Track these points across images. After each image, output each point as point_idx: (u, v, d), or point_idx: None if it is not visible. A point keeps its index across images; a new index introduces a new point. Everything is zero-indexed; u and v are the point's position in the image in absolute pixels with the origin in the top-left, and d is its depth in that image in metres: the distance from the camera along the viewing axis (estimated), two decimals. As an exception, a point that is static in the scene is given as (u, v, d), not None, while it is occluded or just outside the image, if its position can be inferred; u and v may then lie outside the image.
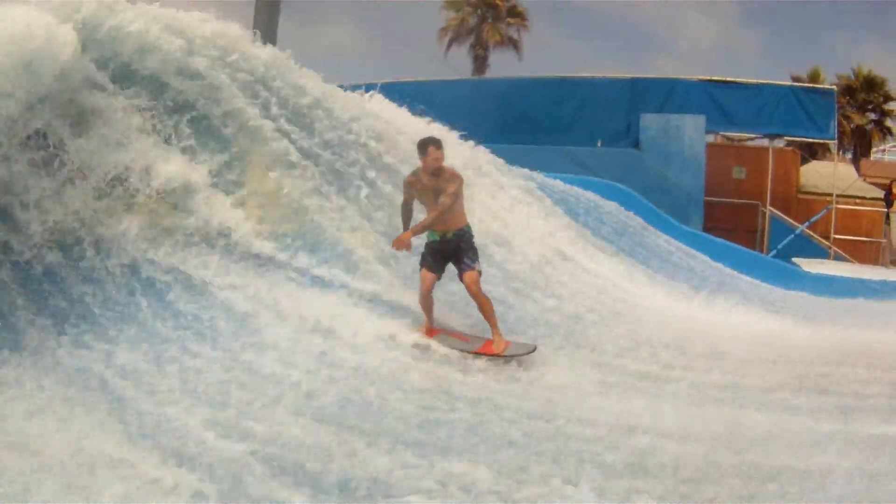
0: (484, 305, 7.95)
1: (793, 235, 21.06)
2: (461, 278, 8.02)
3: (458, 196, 7.90)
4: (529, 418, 6.11)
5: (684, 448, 5.54)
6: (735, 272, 15.40)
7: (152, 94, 8.15)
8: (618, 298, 11.15)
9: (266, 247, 8.16)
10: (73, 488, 4.33)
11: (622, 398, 6.87)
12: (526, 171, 14.85)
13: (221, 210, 8.13)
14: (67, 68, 7.10)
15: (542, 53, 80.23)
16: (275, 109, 9.16)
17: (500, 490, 4.72)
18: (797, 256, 19.44)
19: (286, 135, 9.09)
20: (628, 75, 23.28)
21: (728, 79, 22.71)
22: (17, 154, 6.68)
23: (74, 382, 5.67)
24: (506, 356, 7.71)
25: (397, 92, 13.33)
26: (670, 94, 22.41)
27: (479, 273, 7.99)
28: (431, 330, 8.14)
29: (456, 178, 7.92)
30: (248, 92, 9.00)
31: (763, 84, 22.81)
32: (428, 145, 7.86)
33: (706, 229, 19.31)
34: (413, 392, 6.54)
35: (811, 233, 21.43)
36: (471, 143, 13.81)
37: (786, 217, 21.54)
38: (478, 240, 10.82)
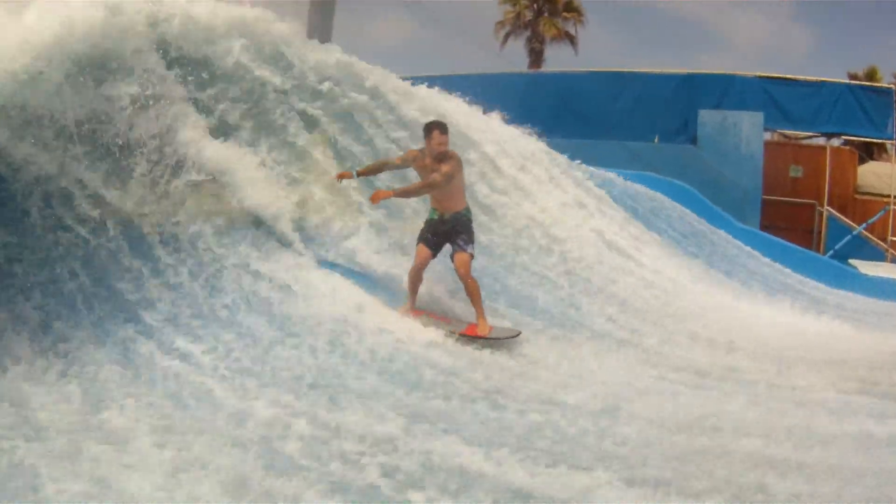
0: (472, 289, 7.89)
1: (850, 237, 20.85)
2: (452, 259, 7.99)
3: (450, 177, 7.79)
4: (584, 412, 6.13)
5: (739, 444, 5.56)
6: (791, 272, 15.37)
7: (210, 85, 8.32)
8: (674, 295, 11.21)
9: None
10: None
11: (678, 395, 6.89)
12: (583, 165, 14.92)
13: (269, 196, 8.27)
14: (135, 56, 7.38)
15: (597, 48, 79.69)
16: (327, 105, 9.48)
17: (555, 487, 4.70)
18: (854, 258, 19.27)
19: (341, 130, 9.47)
20: (684, 70, 23.15)
21: (786, 76, 22.54)
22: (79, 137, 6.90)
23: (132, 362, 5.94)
24: (490, 338, 7.69)
25: (453, 85, 13.42)
26: (727, 90, 22.27)
27: (472, 256, 7.93)
28: (414, 311, 8.06)
29: (452, 158, 7.85)
30: (303, 89, 9.32)
31: (821, 82, 22.56)
32: (433, 129, 7.82)
33: (763, 228, 19.20)
34: (477, 388, 6.59)
35: (868, 234, 21.19)
36: (530, 135, 13.96)
37: (843, 217, 21.33)
38: (536, 233, 11.15)
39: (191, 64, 8.17)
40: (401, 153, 8.88)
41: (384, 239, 9.07)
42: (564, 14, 38.29)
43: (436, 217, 8.09)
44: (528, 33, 38.51)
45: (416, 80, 11.92)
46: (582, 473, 4.86)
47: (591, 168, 15.13)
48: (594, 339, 8.61)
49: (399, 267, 8.50)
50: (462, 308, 8.36)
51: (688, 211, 16.43)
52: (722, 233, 16.35)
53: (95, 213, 6.77)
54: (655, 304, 10.54)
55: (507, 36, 38.82)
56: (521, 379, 6.94)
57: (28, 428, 4.76)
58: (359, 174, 8.19)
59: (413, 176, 8.56)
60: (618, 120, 21.80)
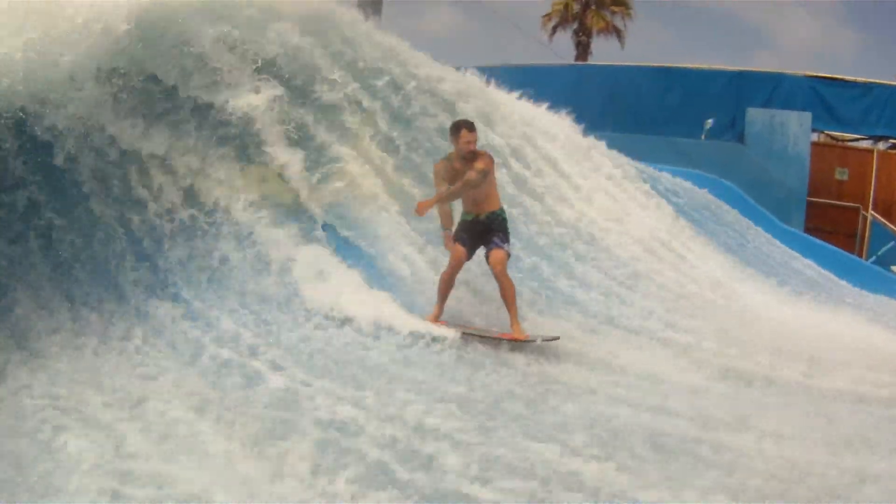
0: (507, 288, 7.63)
1: (893, 243, 20.67)
2: (487, 258, 7.74)
3: (486, 174, 7.60)
4: (625, 408, 6.28)
5: (779, 447, 5.67)
6: (833, 276, 15.37)
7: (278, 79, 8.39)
8: (717, 295, 11.32)
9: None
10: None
11: (716, 395, 7.03)
12: (631, 160, 15.02)
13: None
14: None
15: (644, 43, 79.04)
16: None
17: (590, 481, 4.84)
18: (896, 264, 19.18)
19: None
20: (733, 67, 22.98)
21: (835, 76, 22.32)
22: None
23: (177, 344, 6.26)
24: (530, 342, 7.51)
25: (502, 77, 13.51)
26: (776, 89, 22.04)
27: (508, 255, 7.74)
28: (439, 321, 7.76)
29: (484, 156, 7.69)
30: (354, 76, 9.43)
31: (872, 83, 22.21)
32: (461, 128, 7.63)
33: (806, 230, 19.12)
34: (522, 379, 6.85)
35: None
36: (580, 129, 14.09)
37: (887, 223, 21.15)
38: (581, 226, 11.28)
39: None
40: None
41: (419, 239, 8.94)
42: (612, 7, 38.05)
43: (470, 218, 7.92)
44: (574, 26, 38.36)
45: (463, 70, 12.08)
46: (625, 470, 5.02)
47: (638, 163, 15.23)
48: (633, 334, 8.78)
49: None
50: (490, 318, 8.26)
51: (732, 210, 16.46)
52: (765, 233, 16.37)
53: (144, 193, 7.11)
54: (695, 301, 10.65)
55: (554, 28, 38.68)
56: (566, 374, 7.13)
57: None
58: (436, 202, 7.78)
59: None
60: (666, 115, 21.69)
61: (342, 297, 7.53)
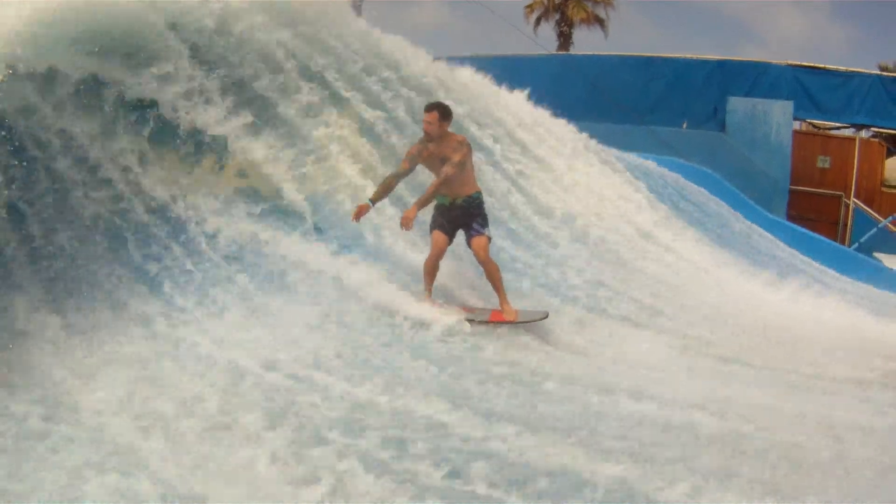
0: (492, 272, 7.72)
1: (875, 229, 20.79)
2: (469, 244, 7.81)
3: (463, 164, 7.63)
4: (610, 393, 6.27)
5: (771, 435, 5.66)
6: (817, 263, 15.42)
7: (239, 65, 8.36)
8: (701, 282, 11.31)
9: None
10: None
11: (704, 381, 7.01)
12: (614, 150, 15.01)
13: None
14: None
15: (627, 33, 79.14)
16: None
17: (586, 471, 4.80)
18: (879, 251, 19.27)
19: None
20: (716, 57, 23.01)
21: (818, 65, 22.41)
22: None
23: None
24: (518, 322, 7.58)
25: (484, 66, 13.46)
26: (759, 78, 22.11)
27: (489, 239, 7.78)
28: (431, 301, 7.79)
29: (462, 145, 7.68)
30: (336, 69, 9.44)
31: (852, 72, 22.38)
32: (425, 110, 7.75)
33: (789, 218, 19.23)
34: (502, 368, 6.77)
35: (894, 227, 21.15)
36: (561, 120, 14.06)
37: (869, 210, 21.28)
38: (566, 217, 11.26)
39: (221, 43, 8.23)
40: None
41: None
42: (594, -2, 38.16)
43: (447, 202, 7.85)
44: (557, 16, 38.38)
45: (450, 61, 12.04)
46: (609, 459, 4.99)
47: (621, 152, 15.22)
48: (620, 322, 8.76)
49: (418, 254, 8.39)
50: (480, 296, 8.30)
51: (714, 198, 16.50)
52: (748, 222, 16.41)
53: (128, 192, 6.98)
54: (679, 288, 10.65)
55: (538, 19, 38.71)
56: (552, 362, 7.09)
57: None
58: (374, 201, 7.64)
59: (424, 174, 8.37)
60: (648, 105, 21.75)
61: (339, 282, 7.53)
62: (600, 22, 38.13)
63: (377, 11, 10.27)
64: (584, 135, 14.29)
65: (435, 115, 7.61)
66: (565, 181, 12.22)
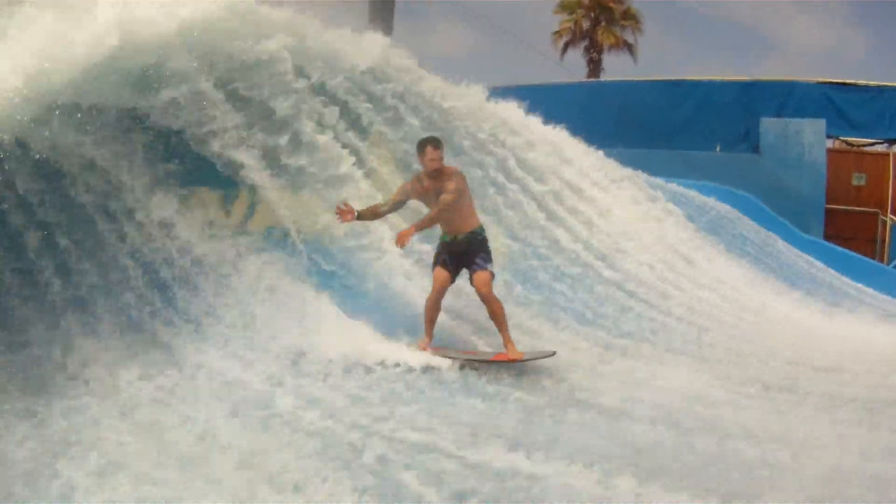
0: (495, 310, 7.47)
1: (913, 246, 20.54)
2: (472, 281, 7.58)
3: (461, 192, 7.44)
4: (653, 424, 6.27)
5: (813, 458, 5.64)
6: (855, 283, 15.28)
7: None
8: (740, 305, 11.29)
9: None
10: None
11: (742, 407, 6.98)
12: (646, 175, 15.04)
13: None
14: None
15: (655, 55, 79.21)
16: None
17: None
18: (918, 268, 19.03)
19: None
20: (744, 78, 22.93)
21: (847, 81, 22.24)
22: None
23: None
24: (525, 360, 7.41)
25: (512, 95, 13.54)
26: (788, 97, 21.93)
27: (492, 275, 7.55)
28: (433, 347, 7.62)
29: (456, 174, 7.52)
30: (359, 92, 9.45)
31: (884, 86, 22.10)
32: (426, 145, 7.48)
33: (826, 237, 19.02)
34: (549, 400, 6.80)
35: (933, 244, 20.86)
36: (590, 148, 14.12)
37: (906, 226, 21.02)
38: (600, 244, 11.28)
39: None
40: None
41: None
42: (622, 22, 38.00)
43: (448, 240, 7.69)
44: (585, 42, 38.41)
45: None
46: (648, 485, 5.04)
47: (653, 177, 15.24)
48: (660, 350, 8.76)
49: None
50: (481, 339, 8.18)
51: (750, 221, 16.43)
52: (784, 243, 16.32)
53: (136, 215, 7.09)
54: (717, 313, 10.62)
55: (565, 46, 38.71)
56: (588, 392, 7.11)
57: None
58: (360, 216, 7.52)
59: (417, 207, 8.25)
60: (678, 129, 21.65)
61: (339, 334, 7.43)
62: (629, 47, 38.11)
63: (404, 40, 10.26)
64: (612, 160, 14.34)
65: (440, 151, 7.50)
66: (597, 206, 12.25)
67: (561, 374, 7.51)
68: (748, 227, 16.19)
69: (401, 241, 7.29)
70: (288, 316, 7.44)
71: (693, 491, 4.95)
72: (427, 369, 7.16)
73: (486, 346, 8.01)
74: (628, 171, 14.48)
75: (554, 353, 7.51)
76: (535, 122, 13.21)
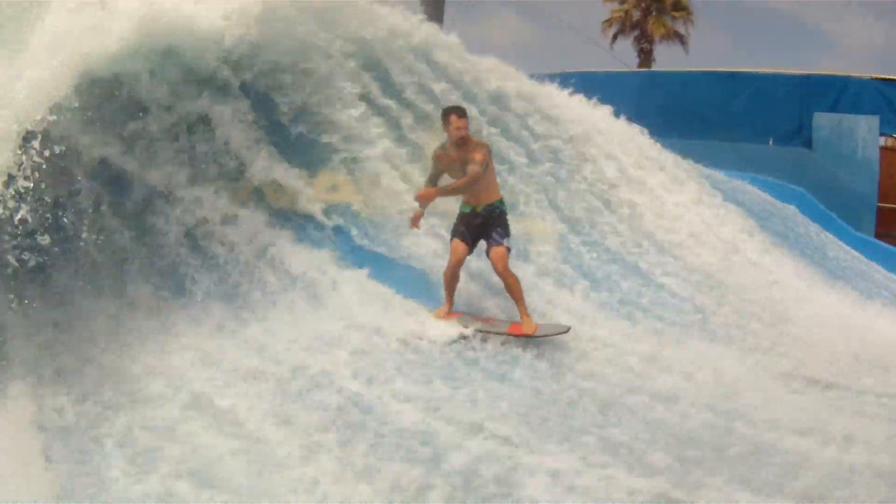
0: (511, 285, 7.57)
1: (968, 246, 20.19)
2: (488, 254, 7.66)
3: (486, 164, 7.48)
4: (700, 412, 6.37)
5: (853, 455, 5.73)
6: (906, 282, 15.11)
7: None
8: (789, 298, 11.22)
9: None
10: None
11: (787, 400, 7.07)
12: (701, 167, 14.98)
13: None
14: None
15: (706, 48, 78.28)
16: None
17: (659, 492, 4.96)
18: (970, 268, 18.74)
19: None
20: (799, 71, 22.68)
21: (901, 77, 21.92)
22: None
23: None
24: (538, 336, 7.48)
25: (566, 82, 13.56)
26: (842, 93, 21.67)
27: (508, 250, 7.61)
28: (450, 313, 7.80)
29: (482, 146, 7.59)
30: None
31: None
32: (450, 114, 7.54)
33: (877, 235, 18.80)
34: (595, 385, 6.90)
35: None
36: (644, 133, 14.09)
37: (958, 227, 20.68)
38: (652, 232, 11.28)
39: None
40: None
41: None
42: (673, 13, 37.81)
43: (468, 210, 7.79)
44: (636, 32, 38.18)
45: (533, 78, 12.19)
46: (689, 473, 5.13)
47: (706, 168, 15.17)
48: (710, 342, 8.76)
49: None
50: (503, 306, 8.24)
51: (802, 215, 16.30)
52: (836, 240, 16.16)
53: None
54: (770, 308, 10.59)
55: (615, 35, 38.59)
56: (639, 379, 7.17)
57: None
58: (439, 195, 7.63)
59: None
60: (731, 121, 21.43)
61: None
62: (680, 38, 37.85)
63: (456, 30, 10.32)
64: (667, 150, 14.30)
65: (465, 120, 7.54)
66: (652, 195, 12.24)
67: (613, 359, 7.60)
68: (800, 221, 16.04)
69: (423, 198, 7.52)
70: (323, 294, 7.61)
71: (729, 481, 5.06)
72: (471, 346, 7.33)
73: (504, 314, 8.12)
74: (683, 161, 14.39)
75: (569, 329, 7.61)
76: (587, 106, 13.15)
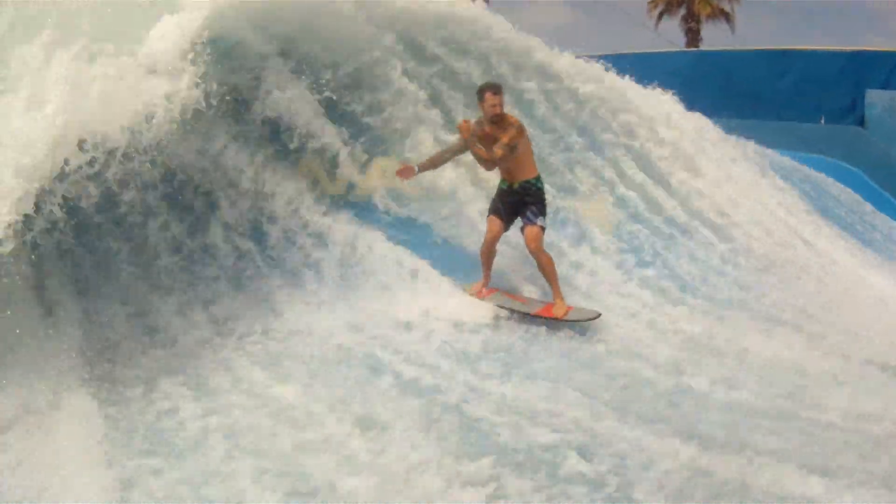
0: (545, 264, 7.51)
1: None
2: (522, 232, 7.61)
3: (512, 147, 7.37)
4: (755, 396, 6.28)
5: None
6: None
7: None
8: (843, 280, 11.11)
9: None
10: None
11: (845, 382, 6.90)
12: (754, 145, 14.89)
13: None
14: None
15: (752, 25, 76.94)
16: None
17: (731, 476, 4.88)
18: None
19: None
20: (850, 48, 22.35)
21: (955, 53, 21.53)
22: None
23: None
24: (567, 320, 7.36)
25: (616, 64, 13.50)
26: (895, 69, 21.44)
27: (542, 229, 7.52)
28: (486, 289, 7.80)
29: (514, 125, 7.44)
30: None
31: None
32: (485, 91, 7.43)
33: (932, 215, 18.60)
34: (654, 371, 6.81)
35: None
36: (697, 114, 14.01)
37: None
38: (706, 213, 11.21)
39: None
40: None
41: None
42: (719, -9, 37.43)
43: (505, 186, 7.75)
44: (682, 12, 37.79)
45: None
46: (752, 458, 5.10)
47: (760, 147, 15.06)
48: (769, 325, 8.71)
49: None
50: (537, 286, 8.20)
51: (857, 196, 16.12)
52: (891, 220, 15.97)
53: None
54: (821, 287, 10.53)
55: (660, 15, 38.24)
56: (690, 362, 7.09)
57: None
58: (420, 169, 7.79)
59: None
60: (782, 100, 21.29)
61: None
62: (726, 16, 37.40)
63: (499, 12, 10.28)
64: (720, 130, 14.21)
65: (500, 97, 7.44)
66: (706, 176, 12.17)
67: (665, 340, 7.61)
68: (854, 201, 15.87)
69: (401, 174, 7.75)
70: (373, 276, 7.77)
71: (801, 466, 4.99)
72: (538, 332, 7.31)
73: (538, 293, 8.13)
74: (739, 141, 14.28)
75: (599, 315, 7.46)
76: (638, 88, 13.11)
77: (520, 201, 7.65)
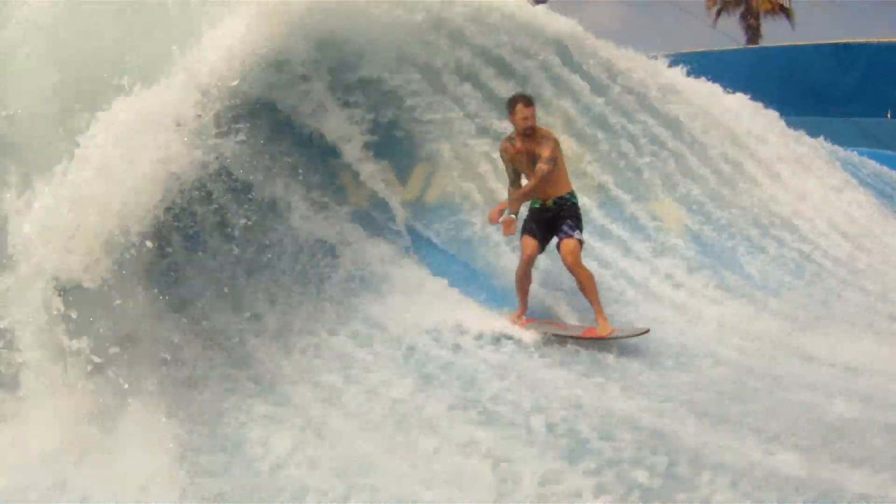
0: (584, 281, 7.06)
1: None
2: (558, 248, 7.20)
3: (554, 160, 7.01)
4: (843, 400, 6.11)
5: None
6: None
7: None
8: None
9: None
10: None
11: None
12: (825, 142, 14.63)
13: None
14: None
15: (813, 19, 75.79)
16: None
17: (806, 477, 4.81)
18: None
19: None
20: (918, 38, 21.89)
21: None
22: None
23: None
24: (613, 339, 6.96)
25: (676, 63, 13.34)
26: (962, 59, 20.97)
27: (580, 243, 7.14)
28: (524, 318, 7.38)
29: (549, 139, 7.05)
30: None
31: None
32: (517, 102, 7.06)
33: None
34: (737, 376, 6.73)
35: None
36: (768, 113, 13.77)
37: None
38: (779, 213, 11.01)
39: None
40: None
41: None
42: (778, -13, 36.88)
43: (537, 206, 7.36)
44: (741, 9, 37.35)
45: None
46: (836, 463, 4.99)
47: (829, 145, 14.78)
48: (847, 326, 8.52)
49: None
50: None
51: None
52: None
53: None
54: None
55: (718, 12, 37.84)
56: (766, 365, 7.01)
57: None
58: (515, 213, 7.21)
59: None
60: (846, 95, 20.94)
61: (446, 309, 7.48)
62: (786, 11, 36.86)
63: (558, 12, 10.19)
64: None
65: (532, 109, 7.08)
66: (781, 177, 11.97)
67: (740, 344, 7.51)
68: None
69: (501, 224, 7.18)
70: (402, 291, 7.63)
71: (874, 468, 4.88)
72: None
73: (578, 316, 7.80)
74: (809, 139, 14.04)
75: (647, 331, 7.02)
76: (705, 87, 12.92)
77: (555, 217, 7.29)
